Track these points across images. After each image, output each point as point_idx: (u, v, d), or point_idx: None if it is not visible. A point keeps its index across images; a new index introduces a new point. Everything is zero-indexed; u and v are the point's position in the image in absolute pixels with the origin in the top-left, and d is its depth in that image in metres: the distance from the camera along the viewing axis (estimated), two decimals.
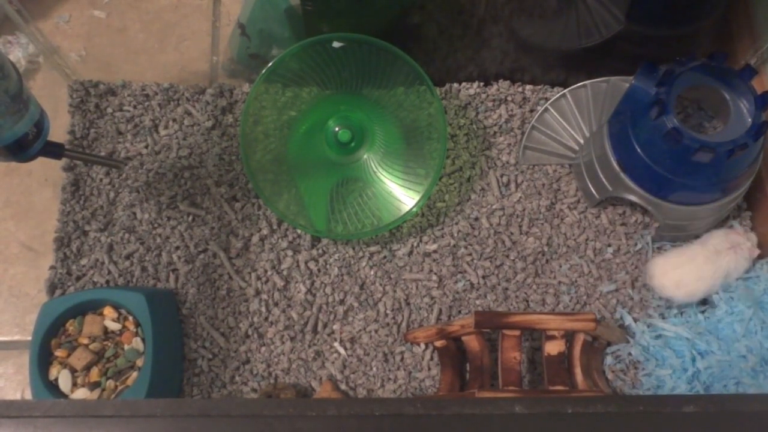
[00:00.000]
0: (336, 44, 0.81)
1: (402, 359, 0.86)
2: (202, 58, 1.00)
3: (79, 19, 1.01)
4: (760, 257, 0.87)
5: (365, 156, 0.91)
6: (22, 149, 0.68)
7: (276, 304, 0.88)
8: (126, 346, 0.79)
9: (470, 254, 0.89)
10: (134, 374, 0.78)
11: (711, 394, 0.77)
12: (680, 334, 0.81)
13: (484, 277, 0.88)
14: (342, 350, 0.86)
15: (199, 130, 0.94)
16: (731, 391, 0.77)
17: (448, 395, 0.79)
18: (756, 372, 0.76)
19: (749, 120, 0.76)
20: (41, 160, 0.74)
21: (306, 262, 0.89)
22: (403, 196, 0.87)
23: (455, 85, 0.96)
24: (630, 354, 0.84)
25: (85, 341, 0.79)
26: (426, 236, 0.90)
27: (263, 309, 0.87)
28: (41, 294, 0.89)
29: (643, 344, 0.83)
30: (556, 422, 0.42)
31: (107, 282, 0.88)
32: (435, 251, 0.90)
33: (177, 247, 0.89)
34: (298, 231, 0.90)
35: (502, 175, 0.93)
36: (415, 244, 0.90)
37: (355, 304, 0.88)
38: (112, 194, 0.91)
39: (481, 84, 0.96)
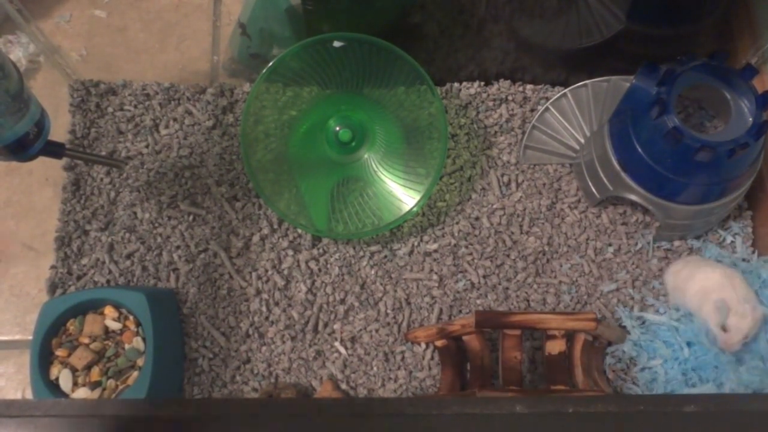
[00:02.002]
0: (337, 44, 0.81)
1: (403, 359, 0.86)
2: (203, 57, 1.00)
3: (79, 18, 1.01)
4: (759, 256, 0.87)
5: (366, 155, 0.91)
6: (22, 149, 0.68)
7: (277, 304, 0.88)
8: (127, 346, 0.79)
9: (471, 254, 0.89)
10: (135, 374, 0.78)
11: (711, 393, 0.77)
12: (667, 322, 0.82)
13: (484, 277, 0.88)
14: (342, 350, 0.86)
15: (200, 129, 0.94)
16: (718, 378, 0.77)
17: (448, 395, 0.79)
18: (737, 359, 0.77)
19: (750, 119, 0.76)
20: (42, 160, 0.74)
21: (306, 262, 0.89)
22: (403, 195, 0.87)
23: (456, 84, 0.96)
24: (624, 351, 0.84)
25: (86, 341, 0.79)
26: (427, 236, 0.90)
27: (264, 308, 0.87)
28: (42, 293, 0.89)
29: (634, 339, 0.83)
30: (556, 422, 0.42)
31: (108, 281, 0.88)
32: (436, 251, 0.90)
33: (178, 247, 0.89)
34: (299, 230, 0.90)
35: (502, 175, 0.93)
36: (416, 244, 0.90)
37: (356, 304, 0.88)
38: (112, 194, 0.91)
39: (482, 83, 0.96)
